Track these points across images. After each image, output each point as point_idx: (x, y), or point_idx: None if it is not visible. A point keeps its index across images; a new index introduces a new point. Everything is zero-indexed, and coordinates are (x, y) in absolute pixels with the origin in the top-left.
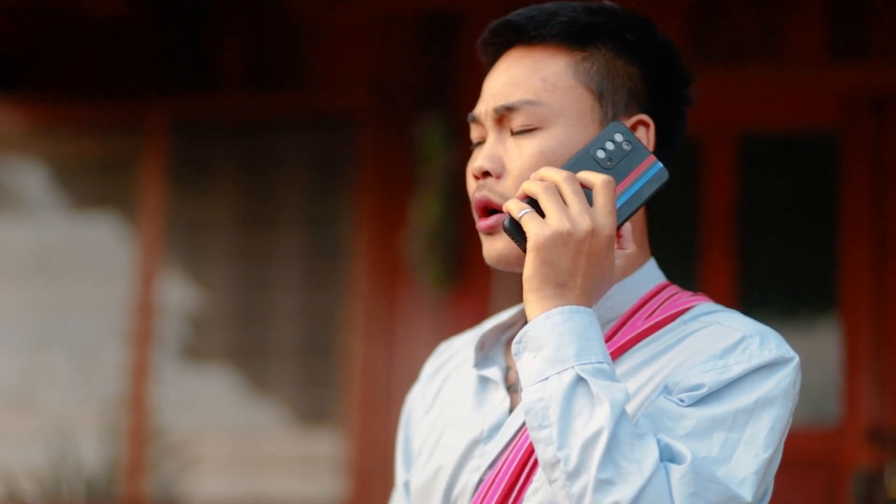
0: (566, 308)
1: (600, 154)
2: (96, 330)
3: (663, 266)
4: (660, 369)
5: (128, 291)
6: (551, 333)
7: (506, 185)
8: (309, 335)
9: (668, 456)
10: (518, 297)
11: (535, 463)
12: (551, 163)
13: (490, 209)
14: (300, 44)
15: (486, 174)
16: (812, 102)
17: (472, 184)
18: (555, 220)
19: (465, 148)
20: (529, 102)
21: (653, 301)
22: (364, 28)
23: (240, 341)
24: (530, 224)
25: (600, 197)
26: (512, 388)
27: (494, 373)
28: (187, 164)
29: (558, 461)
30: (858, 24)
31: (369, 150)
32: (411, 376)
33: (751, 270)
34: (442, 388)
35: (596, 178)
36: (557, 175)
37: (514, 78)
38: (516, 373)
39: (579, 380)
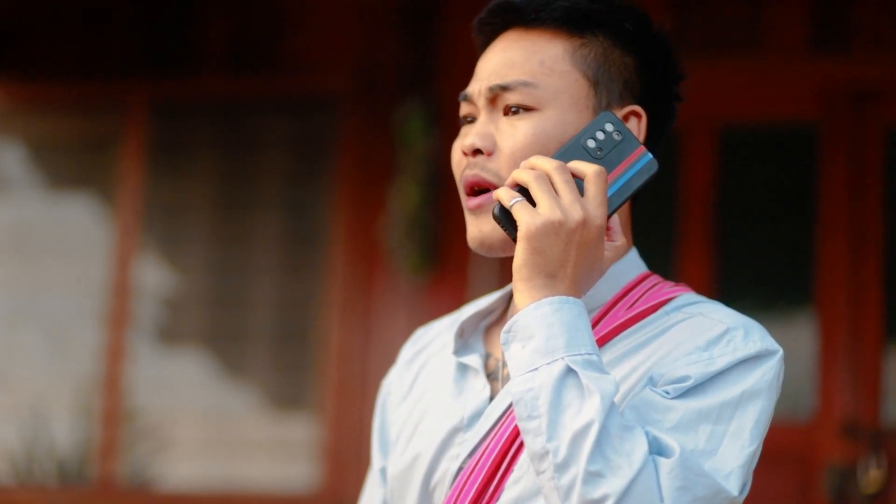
0: (556, 298)
1: (590, 143)
2: (72, 310)
3: (642, 257)
4: (643, 360)
5: (104, 272)
6: (541, 324)
7: (498, 163)
8: (285, 319)
9: (656, 449)
10: (496, 285)
11: (517, 452)
12: (544, 144)
13: (479, 188)
14: (282, 27)
15: (477, 152)
16: (792, 94)
17: (460, 161)
18: (546, 209)
19: (447, 134)
20: (525, 84)
21: (634, 291)
22: (346, 12)
23: (216, 324)
24: (521, 213)
25: (592, 187)
26: (492, 375)
27: (474, 360)
28: (167, 146)
29: (547, 452)
30: (840, 16)
31: (349, 135)
32: (387, 362)
33: (728, 262)
34: (420, 373)
35: (587, 169)
36: (548, 164)
37: (510, 59)
38: (496, 360)
39: (569, 371)
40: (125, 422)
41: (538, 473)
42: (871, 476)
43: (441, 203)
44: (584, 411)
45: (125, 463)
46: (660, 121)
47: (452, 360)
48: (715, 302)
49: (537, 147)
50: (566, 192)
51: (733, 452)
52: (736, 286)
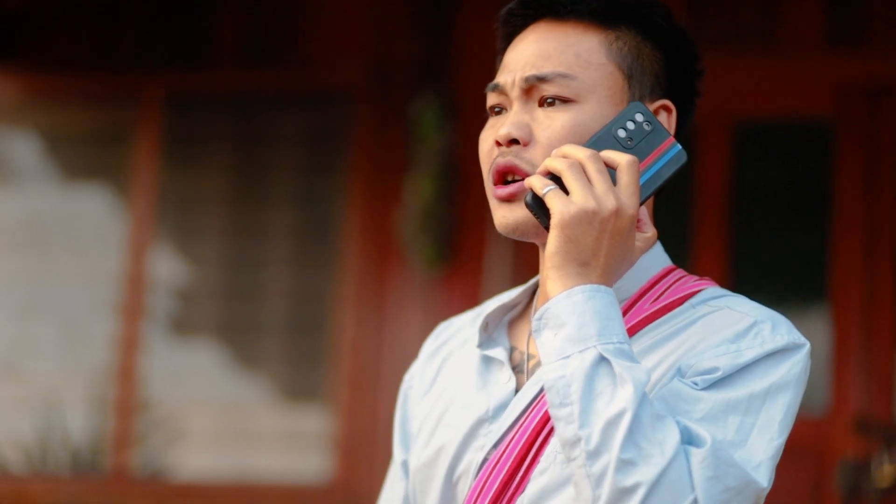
0: (588, 287)
1: (621, 133)
2: (86, 301)
3: None
4: (670, 352)
5: (118, 264)
6: (573, 311)
7: (534, 153)
8: (299, 312)
9: (687, 438)
10: (510, 278)
11: (543, 442)
12: (581, 136)
13: (512, 176)
14: (298, 20)
15: (512, 142)
16: (808, 91)
17: (491, 150)
18: (580, 197)
19: (462, 127)
20: (563, 75)
21: (660, 284)
22: (362, 5)
23: (230, 316)
24: (555, 201)
25: (625, 176)
26: (517, 368)
27: (499, 353)
28: (181, 138)
29: (579, 440)
30: (855, 12)
31: (364, 128)
32: (401, 355)
33: (743, 258)
34: (442, 367)
35: (620, 158)
36: (581, 153)
37: (545, 50)
38: (521, 353)
39: (602, 359)
40: (139, 413)
41: (569, 461)
42: (884, 471)
43: (455, 196)
44: (617, 399)
45: (139, 454)
46: (682, 116)
47: (476, 354)
48: (740, 296)
49: (575, 139)
50: (599, 181)
51: (762, 444)
52: (750, 282)
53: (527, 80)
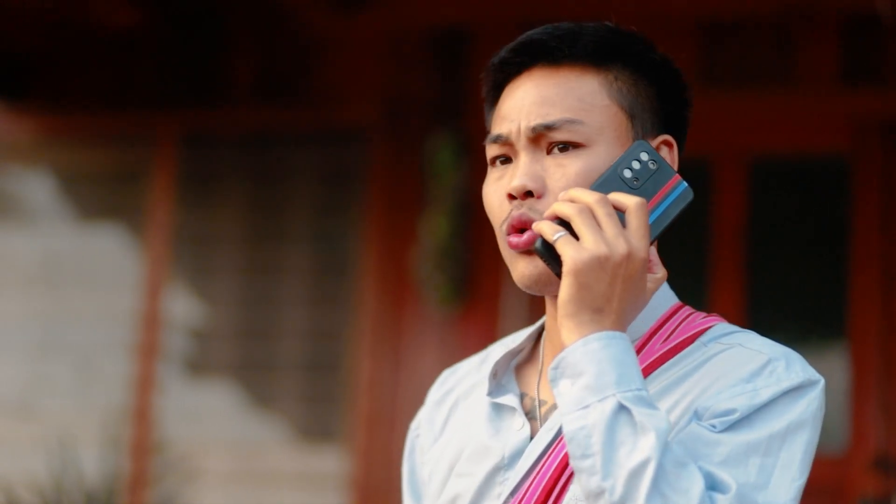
0: (604, 334)
1: (627, 173)
2: (101, 340)
3: (673, 290)
4: (685, 393)
5: (134, 303)
6: (590, 360)
7: (547, 203)
8: (315, 351)
9: (710, 484)
10: (526, 316)
11: (562, 490)
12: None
13: (527, 228)
14: (311, 58)
15: (527, 194)
16: (824, 127)
17: (502, 203)
18: (591, 243)
19: (476, 165)
20: (571, 121)
21: (669, 323)
22: (375, 44)
23: (245, 355)
24: (566, 247)
25: (634, 220)
26: (529, 415)
27: (511, 400)
28: (196, 177)
29: (603, 491)
30: (871, 49)
31: (379, 166)
32: (417, 394)
33: (760, 296)
34: (451, 415)
35: (629, 201)
36: (590, 197)
37: (547, 97)
38: (531, 399)
39: (621, 408)
40: (154, 453)
41: None
42: None
43: (471, 234)
44: (640, 449)
45: (154, 494)
46: (677, 149)
47: (485, 401)
48: (750, 332)
49: (589, 184)
50: (609, 225)
51: (784, 485)
52: (768, 319)
53: (534, 129)
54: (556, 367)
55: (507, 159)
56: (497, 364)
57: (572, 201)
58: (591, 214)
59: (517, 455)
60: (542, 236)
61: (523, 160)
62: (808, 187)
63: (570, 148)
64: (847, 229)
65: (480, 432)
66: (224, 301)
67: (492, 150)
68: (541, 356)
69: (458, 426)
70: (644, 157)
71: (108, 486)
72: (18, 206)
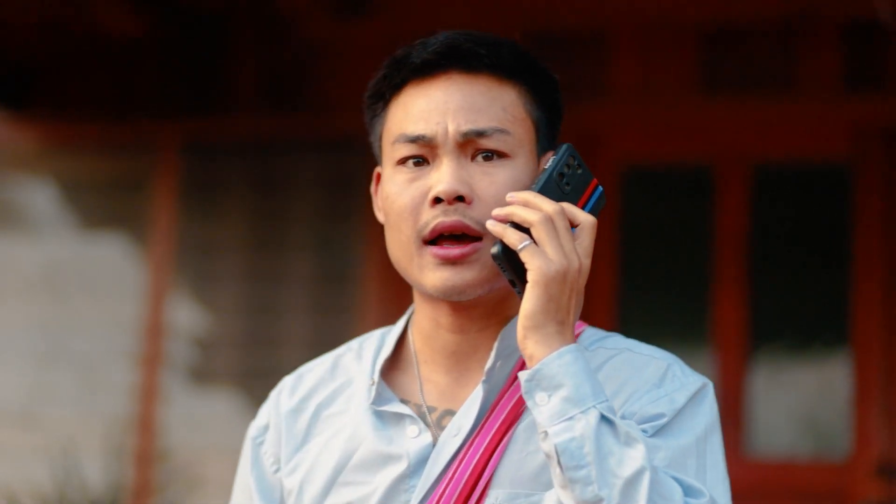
0: (573, 347)
1: (559, 177)
2: (104, 349)
3: (676, 297)
4: None
5: (137, 311)
6: (566, 373)
7: (479, 211)
8: None
9: (686, 492)
10: None
11: (481, 496)
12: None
13: (460, 235)
14: (313, 66)
15: (458, 199)
16: (825, 133)
17: (422, 207)
18: (556, 255)
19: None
20: (501, 130)
21: None
22: (377, 51)
23: (249, 363)
24: (535, 258)
25: (587, 238)
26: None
27: (402, 407)
28: (199, 185)
29: (600, 500)
30: (873, 55)
31: None
32: None
33: (762, 302)
34: (313, 424)
35: (584, 217)
36: (549, 206)
37: (473, 103)
38: (417, 406)
39: (603, 419)
40: (158, 461)
41: None
42: None
43: None
44: (632, 458)
45: (158, 503)
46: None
47: (363, 409)
48: (618, 335)
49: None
50: (567, 238)
51: (720, 485)
52: (770, 326)
53: (465, 134)
54: (530, 380)
55: (420, 160)
56: (377, 372)
57: (526, 205)
58: (553, 225)
59: (422, 462)
60: (501, 242)
61: (449, 165)
62: (809, 193)
63: (495, 157)
64: (849, 235)
65: (368, 441)
66: (227, 309)
67: (405, 150)
68: (414, 362)
69: (329, 435)
70: (572, 161)
71: (112, 494)
72: (22, 215)
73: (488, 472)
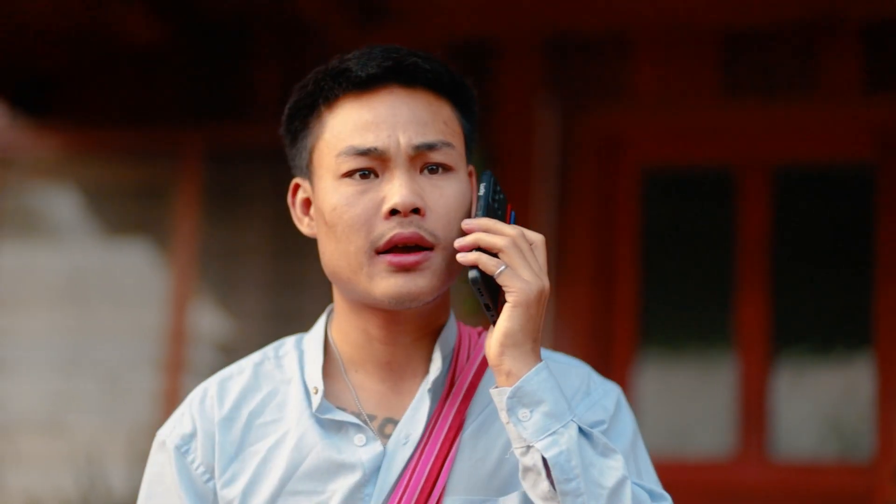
0: (544, 364)
1: (493, 203)
2: (127, 356)
3: (698, 300)
4: None
5: (160, 318)
6: (545, 389)
7: (433, 223)
8: None
9: (648, 496)
10: (553, 328)
11: (438, 500)
12: (462, 205)
13: (415, 246)
14: None
15: (414, 211)
16: (847, 136)
17: (375, 219)
18: (530, 276)
19: (499, 175)
20: (447, 144)
21: (463, 338)
22: None
23: None
24: (514, 280)
25: (541, 256)
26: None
27: (346, 416)
28: (221, 192)
29: None
30: (894, 57)
31: None
32: None
33: (785, 305)
34: (246, 434)
35: (536, 237)
36: (511, 231)
37: (420, 116)
38: (356, 414)
39: (581, 431)
40: None
41: None
42: None
43: None
44: (612, 468)
45: None
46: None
47: (302, 417)
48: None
49: (462, 208)
50: (533, 259)
51: (658, 484)
52: (793, 329)
53: (417, 147)
54: (513, 397)
55: (366, 173)
56: (313, 382)
57: (488, 231)
58: (519, 248)
59: (375, 471)
60: (477, 267)
61: (402, 177)
62: (832, 196)
63: (440, 170)
64: (871, 237)
65: (317, 449)
66: (250, 315)
67: (354, 162)
68: (342, 370)
69: (270, 444)
70: (496, 186)
71: (136, 502)
72: (45, 223)
73: (442, 479)
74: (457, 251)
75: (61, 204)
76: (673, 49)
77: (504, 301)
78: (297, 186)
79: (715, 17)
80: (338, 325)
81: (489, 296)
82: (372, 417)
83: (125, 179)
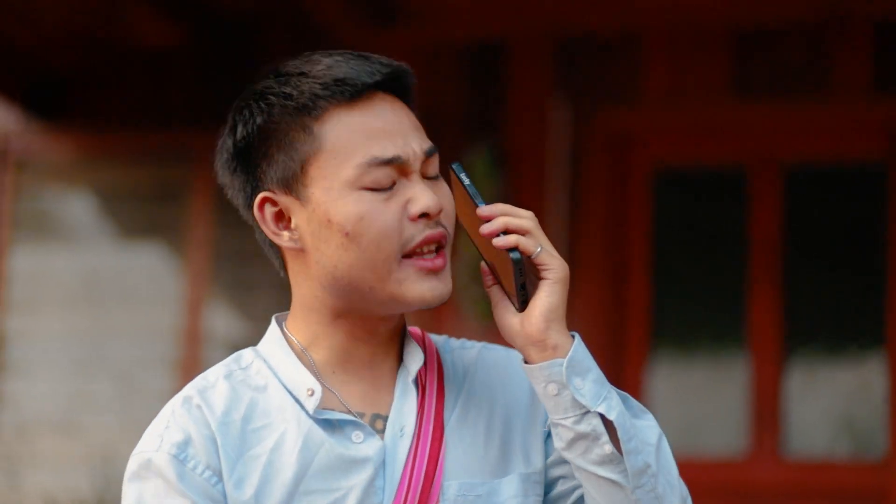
0: (578, 336)
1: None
2: (142, 357)
3: (710, 299)
4: (493, 398)
5: (175, 320)
6: (587, 357)
7: (446, 223)
8: None
9: None
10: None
11: (437, 485)
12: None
13: (436, 247)
14: None
15: (436, 214)
16: (858, 135)
17: (402, 224)
18: (558, 254)
19: (511, 178)
20: (437, 150)
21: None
22: (409, 58)
23: None
24: (552, 258)
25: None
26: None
27: (344, 415)
28: None
29: (648, 466)
30: None
31: None
32: None
33: (797, 304)
34: (243, 438)
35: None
36: (527, 213)
37: (412, 123)
38: (347, 410)
39: (619, 393)
40: None
41: (636, 488)
42: None
43: None
44: (650, 426)
45: None
46: None
47: (299, 418)
48: (445, 336)
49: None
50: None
51: None
52: (805, 328)
53: (427, 153)
54: (569, 367)
55: (393, 184)
56: (309, 383)
57: (507, 214)
58: (540, 228)
59: (381, 464)
60: (517, 249)
61: (421, 182)
62: (843, 195)
63: (436, 176)
64: (883, 236)
65: (327, 447)
66: (264, 316)
67: (381, 172)
68: (316, 372)
69: (270, 447)
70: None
71: None
72: (59, 225)
73: (441, 465)
74: (481, 239)
75: (76, 206)
76: (684, 48)
77: (529, 280)
78: (266, 200)
79: (726, 17)
80: (306, 331)
81: (523, 276)
82: (360, 414)
83: (139, 182)
